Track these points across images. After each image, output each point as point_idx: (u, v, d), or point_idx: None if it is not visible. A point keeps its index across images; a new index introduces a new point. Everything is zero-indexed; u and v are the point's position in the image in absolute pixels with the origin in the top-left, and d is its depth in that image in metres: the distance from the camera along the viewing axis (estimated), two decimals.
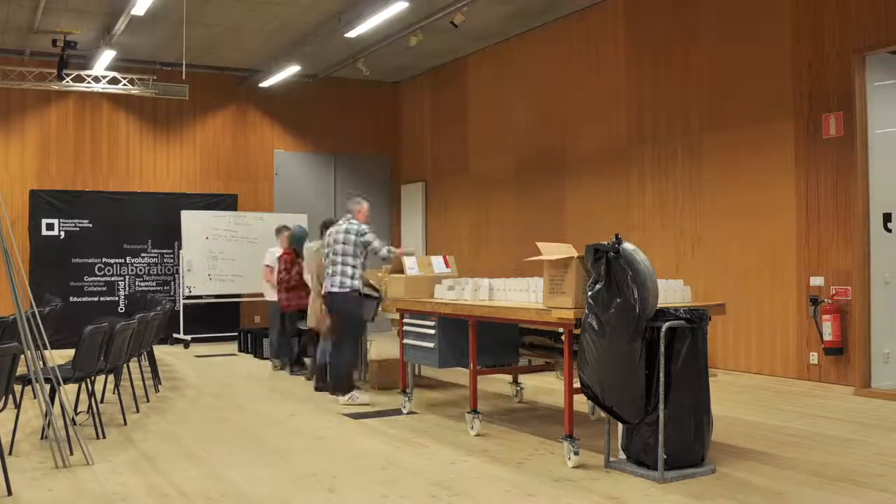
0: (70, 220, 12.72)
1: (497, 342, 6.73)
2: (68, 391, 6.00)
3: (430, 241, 14.45)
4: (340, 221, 7.85)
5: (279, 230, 10.32)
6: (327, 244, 7.81)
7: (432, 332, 6.63)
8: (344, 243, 7.61)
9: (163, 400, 7.96)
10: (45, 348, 5.85)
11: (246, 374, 9.79)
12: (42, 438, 6.09)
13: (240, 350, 12.01)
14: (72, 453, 5.55)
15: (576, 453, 5.25)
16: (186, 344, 12.54)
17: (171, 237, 13.20)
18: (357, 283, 7.63)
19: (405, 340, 7.03)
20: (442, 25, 10.85)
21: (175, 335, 12.62)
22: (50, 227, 12.61)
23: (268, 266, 10.28)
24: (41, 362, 5.69)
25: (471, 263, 12.93)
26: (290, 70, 12.73)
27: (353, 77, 13.87)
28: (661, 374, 4.88)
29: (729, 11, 8.97)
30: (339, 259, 7.61)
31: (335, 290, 7.61)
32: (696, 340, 4.99)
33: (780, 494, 4.61)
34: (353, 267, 7.60)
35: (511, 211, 12.40)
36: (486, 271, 12.19)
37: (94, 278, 12.85)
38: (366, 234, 7.63)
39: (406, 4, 9.71)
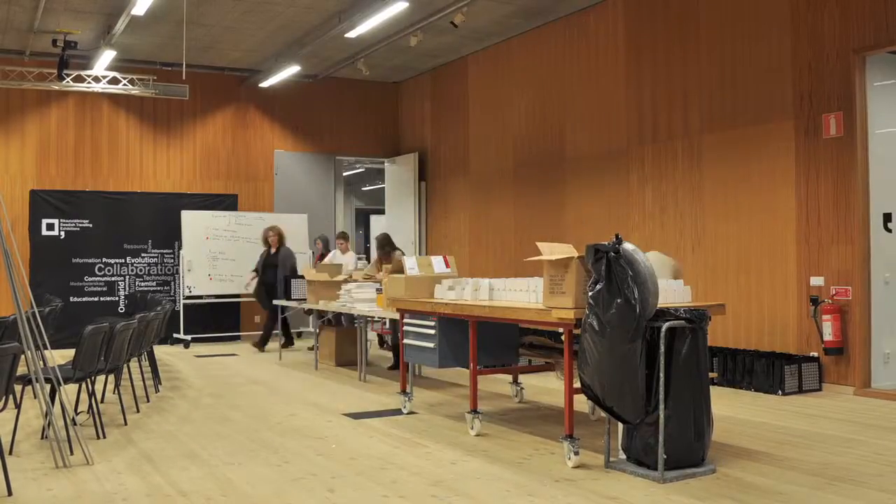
0: (70, 221, 12.72)
1: (497, 342, 6.73)
2: (68, 391, 6.00)
3: (430, 241, 14.45)
4: None
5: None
6: None
7: (432, 332, 6.63)
8: None
9: (163, 400, 7.96)
10: (46, 348, 5.85)
11: (246, 374, 9.79)
12: (42, 438, 6.09)
13: None
14: (72, 453, 5.56)
15: (576, 453, 5.25)
16: (187, 344, 12.54)
17: (171, 237, 13.20)
18: None
19: (405, 340, 7.04)
20: (442, 25, 10.85)
21: (175, 335, 12.62)
22: (50, 227, 12.61)
23: None
24: (41, 362, 5.69)
25: (471, 263, 12.94)
26: (290, 70, 12.74)
27: (353, 77, 13.88)
28: (662, 375, 4.88)
29: (729, 11, 8.97)
30: None
31: None
32: (696, 340, 4.99)
33: (780, 494, 4.61)
34: None
35: (511, 211, 12.40)
36: (486, 271, 12.20)
37: (94, 278, 12.85)
38: None
39: (406, 4, 9.71)
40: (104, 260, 12.92)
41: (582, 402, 6.56)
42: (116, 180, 13.39)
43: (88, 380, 6.15)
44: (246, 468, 5.35)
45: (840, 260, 7.89)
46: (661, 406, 4.86)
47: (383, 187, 16.10)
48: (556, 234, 11.07)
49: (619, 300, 4.84)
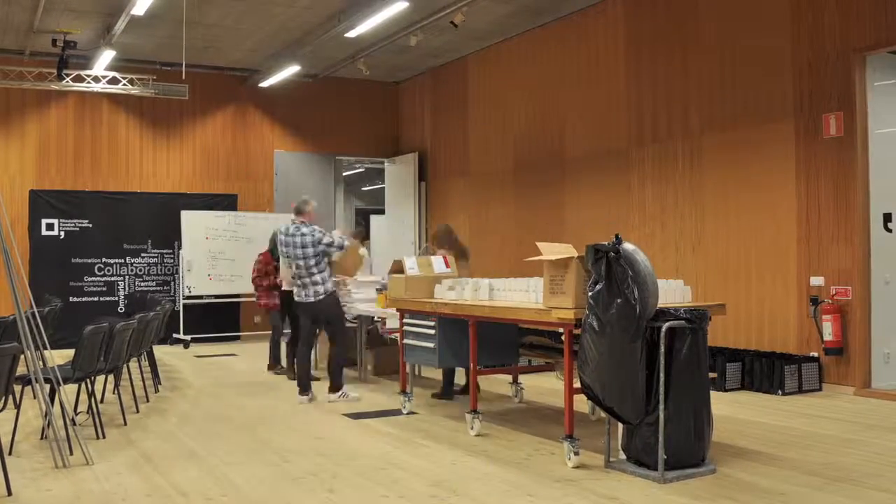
0: (70, 221, 12.71)
1: (497, 342, 6.73)
2: (68, 391, 6.00)
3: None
4: (290, 227, 7.90)
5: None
6: (286, 254, 7.92)
7: (432, 332, 6.62)
8: (304, 257, 7.74)
9: (163, 400, 7.96)
10: (45, 348, 5.85)
11: (246, 374, 9.79)
12: (42, 438, 6.09)
13: None
14: (72, 453, 5.55)
15: (576, 453, 5.25)
16: (186, 344, 12.53)
17: (171, 237, 13.19)
18: (330, 286, 7.86)
19: (405, 340, 7.03)
20: (442, 25, 10.85)
21: (175, 335, 12.61)
22: (50, 227, 12.60)
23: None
24: (41, 362, 5.69)
25: (471, 263, 12.91)
26: (290, 70, 12.73)
27: (353, 77, 13.86)
28: (662, 375, 4.88)
29: (729, 11, 8.97)
30: (305, 271, 7.75)
31: (312, 300, 7.76)
32: (696, 340, 4.98)
33: (780, 494, 4.60)
34: (321, 272, 7.78)
35: (511, 211, 12.40)
36: (486, 271, 12.19)
37: (93, 278, 12.84)
38: (321, 241, 7.77)
39: (406, 4, 9.71)
40: (104, 260, 12.91)
41: (582, 402, 6.56)
42: (116, 180, 13.38)
43: (88, 380, 6.15)
44: (246, 468, 5.35)
45: (840, 260, 7.89)
46: (662, 406, 4.86)
47: (383, 187, 16.10)
48: (556, 234, 11.06)
49: (619, 300, 4.84)
